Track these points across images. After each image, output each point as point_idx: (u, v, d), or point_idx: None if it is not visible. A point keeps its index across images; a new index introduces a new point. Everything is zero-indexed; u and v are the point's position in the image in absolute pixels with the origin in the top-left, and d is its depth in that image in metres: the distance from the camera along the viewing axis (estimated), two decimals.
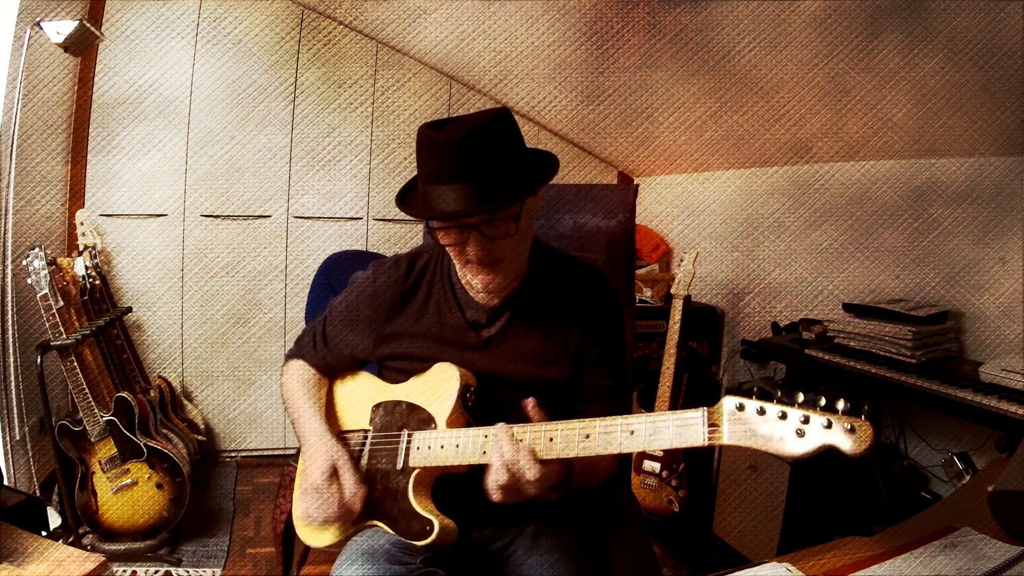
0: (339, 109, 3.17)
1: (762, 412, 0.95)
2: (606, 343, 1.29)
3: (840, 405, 0.93)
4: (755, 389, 0.99)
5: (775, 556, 1.14)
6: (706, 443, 0.98)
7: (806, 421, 0.93)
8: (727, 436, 0.96)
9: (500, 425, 1.12)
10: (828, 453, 0.93)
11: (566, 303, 1.28)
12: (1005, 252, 2.19)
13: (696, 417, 0.99)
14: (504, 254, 1.19)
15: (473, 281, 1.22)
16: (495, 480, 1.10)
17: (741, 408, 0.96)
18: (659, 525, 2.65)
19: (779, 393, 0.97)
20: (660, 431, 1.02)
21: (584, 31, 2.61)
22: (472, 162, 1.10)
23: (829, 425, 0.92)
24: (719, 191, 3.09)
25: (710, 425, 0.98)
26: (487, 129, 1.13)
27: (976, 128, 2.17)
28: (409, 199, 1.22)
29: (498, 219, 1.14)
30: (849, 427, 0.91)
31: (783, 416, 0.94)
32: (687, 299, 2.76)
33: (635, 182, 3.61)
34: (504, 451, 1.09)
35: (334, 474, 1.23)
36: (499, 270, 1.20)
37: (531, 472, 1.08)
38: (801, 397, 0.95)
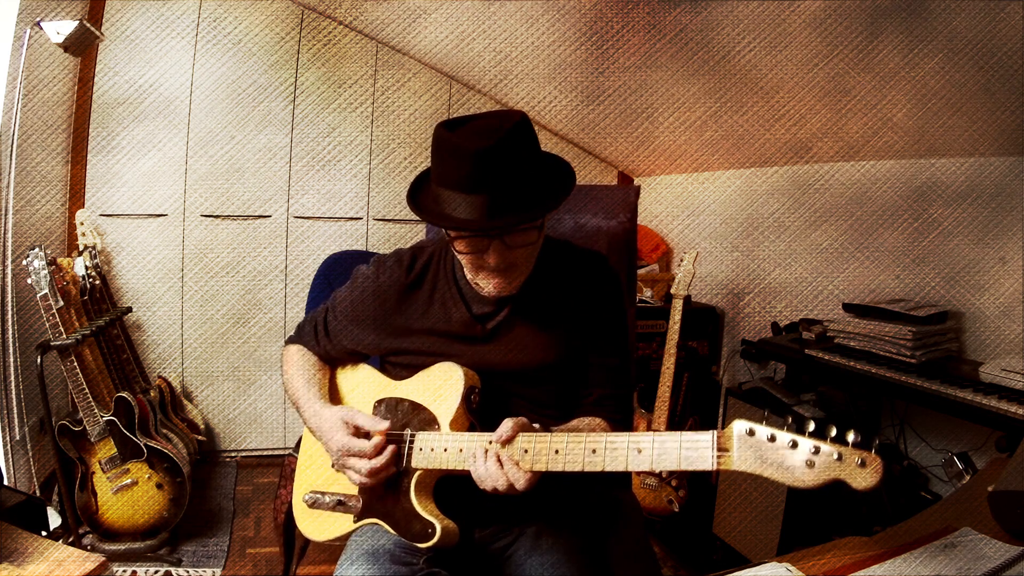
0: (339, 109, 3.17)
1: (772, 439, 0.94)
2: (608, 323, 1.29)
3: (851, 437, 0.91)
4: (766, 414, 0.97)
5: (775, 556, 1.14)
6: (714, 467, 0.96)
7: (816, 452, 0.92)
8: (736, 462, 0.95)
9: (495, 442, 1.11)
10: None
11: (568, 288, 1.29)
12: (1005, 252, 2.18)
13: (705, 440, 0.97)
14: (520, 260, 1.19)
15: (484, 285, 1.21)
16: (481, 485, 1.11)
17: (751, 433, 0.94)
18: (659, 525, 2.64)
19: (790, 419, 0.95)
20: (668, 451, 1.00)
21: (584, 31, 2.60)
22: (493, 174, 1.09)
23: (840, 458, 0.91)
24: (719, 191, 3.09)
25: (719, 449, 0.96)
26: (509, 140, 1.11)
27: (976, 128, 2.17)
28: (422, 200, 1.20)
29: (520, 228, 1.14)
30: (860, 461, 0.90)
31: (794, 445, 0.93)
32: (687, 299, 2.76)
33: (635, 182, 3.60)
34: (489, 470, 1.09)
35: (354, 426, 1.23)
36: (513, 274, 1.20)
37: (520, 484, 1.08)
38: (812, 426, 0.93)
